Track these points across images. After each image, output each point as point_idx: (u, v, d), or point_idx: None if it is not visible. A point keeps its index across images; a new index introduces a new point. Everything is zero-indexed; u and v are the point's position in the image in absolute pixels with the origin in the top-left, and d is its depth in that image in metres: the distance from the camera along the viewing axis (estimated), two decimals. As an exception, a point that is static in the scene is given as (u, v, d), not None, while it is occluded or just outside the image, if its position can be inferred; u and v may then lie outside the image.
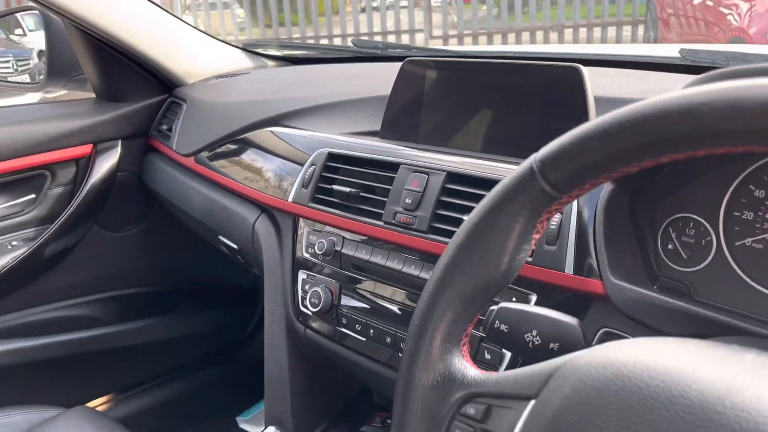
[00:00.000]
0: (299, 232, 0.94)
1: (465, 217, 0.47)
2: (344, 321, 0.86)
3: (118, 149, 1.41)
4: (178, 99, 1.40)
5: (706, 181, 0.62)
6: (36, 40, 1.95)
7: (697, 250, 0.62)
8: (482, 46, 6.37)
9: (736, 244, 0.60)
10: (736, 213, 0.60)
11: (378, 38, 7.52)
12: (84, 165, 1.39)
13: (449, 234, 0.72)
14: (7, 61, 1.89)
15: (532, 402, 0.41)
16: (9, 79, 1.86)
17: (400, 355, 0.49)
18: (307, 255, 0.92)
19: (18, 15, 1.73)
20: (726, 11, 3.68)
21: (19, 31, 2.02)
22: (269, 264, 0.98)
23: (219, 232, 1.19)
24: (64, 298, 1.45)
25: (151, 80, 1.43)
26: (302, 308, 0.91)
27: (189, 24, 1.46)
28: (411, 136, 0.90)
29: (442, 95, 0.88)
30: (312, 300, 0.88)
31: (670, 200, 0.64)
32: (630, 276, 0.62)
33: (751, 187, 0.60)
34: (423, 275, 0.77)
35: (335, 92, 1.13)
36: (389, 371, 0.81)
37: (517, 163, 0.43)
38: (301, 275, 0.92)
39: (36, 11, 1.45)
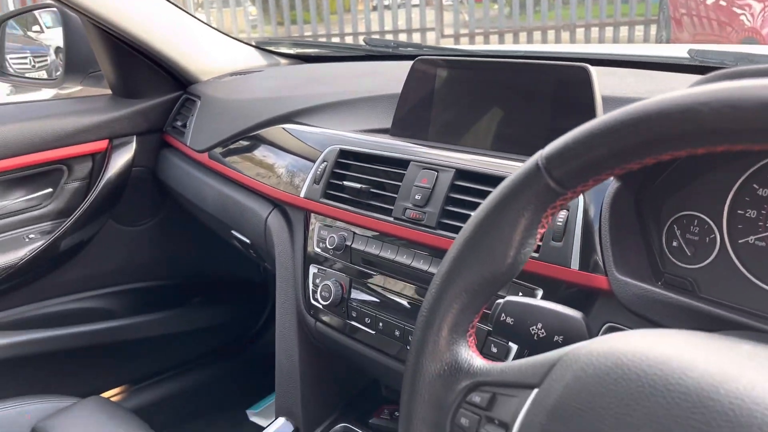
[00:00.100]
0: (311, 227, 0.96)
1: (473, 213, 0.48)
2: (354, 314, 0.87)
3: (134, 145, 1.44)
4: (192, 96, 1.42)
5: (710, 179, 0.63)
6: (53, 37, 1.98)
7: (701, 248, 0.63)
8: (492, 46, 6.37)
9: (740, 241, 0.61)
10: (739, 211, 0.61)
11: (389, 37, 7.53)
12: (100, 160, 1.41)
13: (458, 230, 0.73)
14: (25, 57, 1.92)
15: (536, 390, 0.42)
16: (26, 74, 1.88)
17: (409, 347, 0.51)
18: (318, 249, 0.94)
19: (35, 12, 1.76)
20: (739, 11, 3.67)
21: (36, 27, 2.05)
22: (281, 258, 1.00)
23: (232, 227, 1.21)
24: (80, 290, 1.48)
25: (166, 77, 1.45)
26: (313, 302, 0.93)
27: (204, 22, 1.48)
28: (421, 133, 0.92)
29: (452, 94, 0.89)
30: (323, 293, 0.90)
31: (674, 198, 0.65)
32: (635, 272, 0.63)
33: (754, 185, 0.61)
34: (432, 270, 0.79)
35: (347, 90, 1.15)
36: (398, 364, 0.83)
37: (525, 161, 0.45)
38: (312, 269, 0.94)
39: (54, 8, 1.48)
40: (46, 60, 2.11)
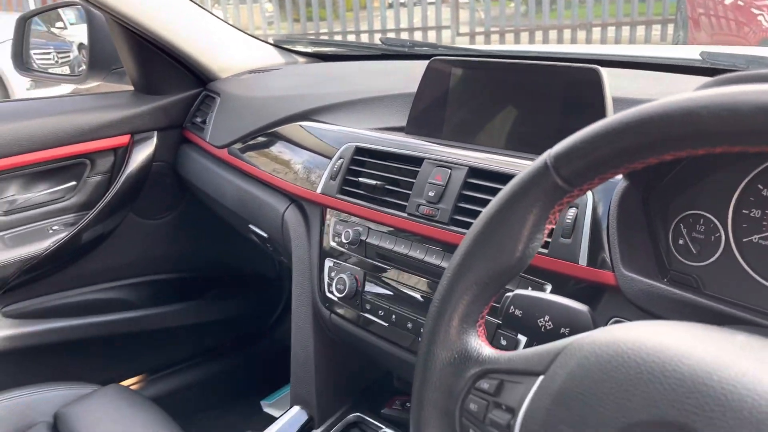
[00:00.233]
0: (326, 222, 0.98)
1: (484, 209, 0.51)
2: (368, 307, 0.90)
3: (154, 140, 1.47)
4: (212, 93, 1.45)
5: (716, 180, 0.65)
6: (76, 33, 2.02)
7: (706, 246, 0.65)
8: (506, 46, 6.36)
9: (744, 240, 0.63)
10: (744, 211, 0.63)
11: (404, 34, 7.55)
12: (122, 154, 1.45)
13: (469, 226, 0.75)
14: (49, 53, 1.96)
15: (541, 377, 0.45)
16: (49, 70, 1.93)
17: (420, 338, 0.53)
18: (333, 244, 0.96)
19: (59, 9, 1.80)
20: (757, 12, 3.65)
21: (59, 24, 2.10)
22: (297, 252, 1.03)
23: (250, 221, 1.24)
24: (101, 281, 1.52)
25: (186, 74, 1.48)
26: (328, 294, 0.96)
27: (224, 20, 1.51)
28: (435, 132, 0.94)
29: (466, 93, 0.92)
30: (338, 286, 0.92)
31: (681, 198, 0.67)
32: (641, 269, 0.65)
33: (759, 186, 0.62)
34: (444, 264, 0.81)
35: (363, 89, 1.18)
36: (410, 355, 0.85)
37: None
38: (328, 263, 0.97)
39: (78, 5, 1.52)
40: (69, 56, 2.16)
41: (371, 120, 1.07)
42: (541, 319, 0.58)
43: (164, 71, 1.45)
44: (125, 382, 1.58)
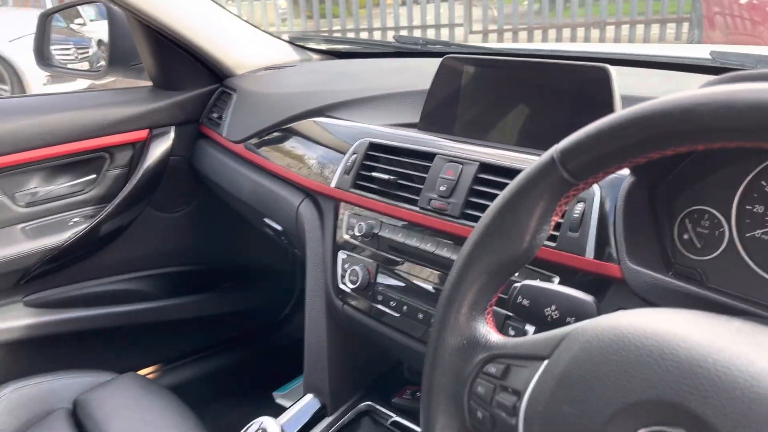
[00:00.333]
0: (340, 216, 1.01)
1: (494, 201, 0.53)
2: (380, 298, 0.92)
3: (172, 135, 1.50)
4: (228, 89, 1.48)
5: (721, 176, 0.67)
6: (95, 30, 2.06)
7: (710, 240, 0.67)
8: (519, 44, 6.34)
9: (747, 235, 0.65)
10: (747, 206, 0.65)
11: (417, 32, 7.55)
12: (140, 149, 1.48)
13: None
14: (68, 49, 2.00)
15: (546, 361, 0.47)
16: (69, 65, 1.97)
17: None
18: (347, 236, 0.99)
19: (79, 6, 1.83)
20: (773, 11, 3.62)
21: (79, 20, 2.14)
22: (312, 244, 1.05)
23: (265, 215, 1.26)
24: (118, 272, 1.56)
25: (203, 70, 1.51)
26: (341, 286, 0.98)
27: (240, 18, 1.54)
28: (447, 128, 0.96)
29: (478, 91, 0.94)
30: (351, 278, 0.95)
31: (686, 194, 0.69)
32: (646, 262, 0.67)
33: (762, 182, 0.64)
34: (454, 257, 0.83)
35: (377, 86, 1.20)
36: (420, 345, 0.88)
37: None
38: (341, 255, 0.99)
39: (98, 3, 1.55)
40: (88, 52, 2.20)
41: (385, 116, 1.09)
42: (548, 309, 0.60)
43: (182, 67, 1.48)
44: (141, 371, 1.61)
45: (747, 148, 0.40)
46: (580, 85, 0.82)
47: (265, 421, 0.77)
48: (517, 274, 0.74)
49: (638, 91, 0.84)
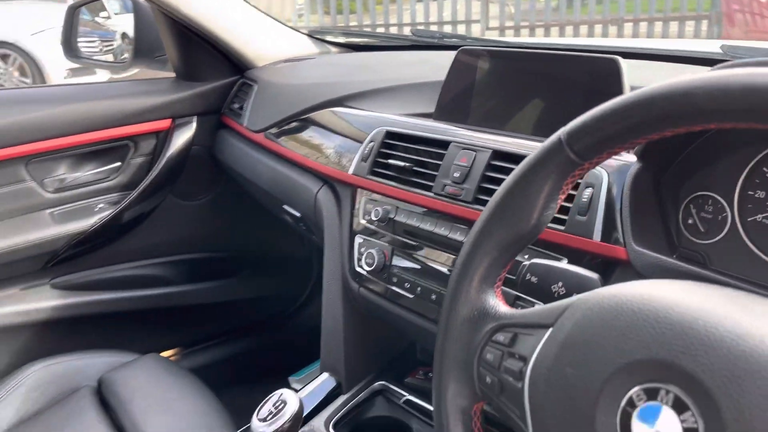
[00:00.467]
0: (357, 202, 1.04)
1: (504, 180, 0.56)
2: (395, 280, 0.96)
3: (194, 125, 1.54)
4: (249, 80, 1.52)
5: (724, 163, 0.69)
6: (119, 23, 2.11)
7: (713, 225, 0.70)
8: (532, 38, 6.33)
9: (749, 219, 0.68)
10: (750, 192, 0.68)
11: (434, 28, 7.55)
12: (163, 138, 1.52)
13: (492, 204, 0.81)
14: (94, 41, 2.06)
15: (550, 329, 0.50)
16: (94, 57, 2.02)
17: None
18: (363, 221, 1.02)
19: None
20: (792, 8, 3.61)
21: (104, 14, 2.20)
22: (329, 229, 1.09)
23: (284, 202, 1.30)
24: (141, 258, 1.60)
25: (225, 62, 1.55)
26: (357, 269, 1.02)
27: (261, 11, 1.58)
28: (462, 118, 1.00)
29: (491, 82, 0.97)
30: (367, 261, 0.99)
31: (691, 180, 0.72)
32: (651, 245, 0.69)
33: (764, 168, 0.67)
34: (467, 241, 0.86)
35: (394, 77, 1.23)
36: (433, 326, 0.91)
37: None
38: (358, 239, 1.03)
39: (125, -4, 1.60)
40: (113, 44, 2.25)
41: (401, 106, 1.12)
42: (555, 286, 0.63)
43: (205, 59, 1.53)
44: (162, 353, 1.66)
45: (742, 130, 0.42)
46: (591, 77, 0.85)
47: (285, 392, 0.81)
48: (526, 256, 0.78)
49: (648, 83, 0.87)
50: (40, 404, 1.15)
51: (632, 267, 0.69)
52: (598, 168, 0.74)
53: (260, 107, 1.42)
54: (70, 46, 1.63)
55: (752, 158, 0.67)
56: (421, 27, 7.51)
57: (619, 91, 0.82)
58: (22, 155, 1.35)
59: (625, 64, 0.83)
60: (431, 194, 0.91)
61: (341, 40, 1.69)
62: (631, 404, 0.42)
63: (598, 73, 0.85)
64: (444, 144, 0.92)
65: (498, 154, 0.86)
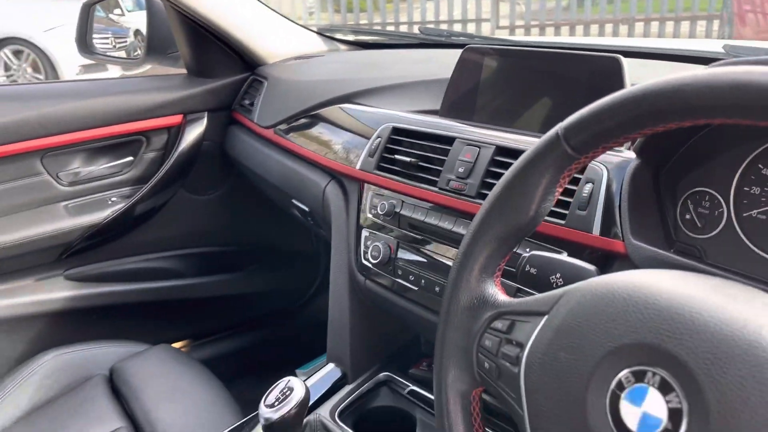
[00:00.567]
0: (364, 196, 1.06)
1: (504, 174, 0.58)
2: (399, 272, 0.98)
3: (205, 120, 1.57)
4: (259, 77, 1.55)
5: (721, 159, 0.71)
6: (132, 20, 2.15)
7: (710, 220, 0.71)
8: (539, 37, 6.32)
9: (744, 215, 0.69)
10: (745, 188, 0.69)
11: (444, 26, 7.55)
12: (175, 133, 1.55)
13: (495, 199, 0.83)
14: (107, 38, 2.09)
15: (546, 316, 0.52)
16: (108, 53, 2.05)
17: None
18: (370, 215, 1.05)
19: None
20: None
21: (118, 11, 2.23)
22: (337, 223, 1.11)
23: (293, 196, 1.33)
24: (153, 251, 1.63)
25: (236, 59, 1.58)
26: (363, 261, 1.04)
27: (272, 9, 1.61)
28: (467, 115, 1.02)
29: (496, 80, 0.99)
30: (373, 254, 1.01)
31: (689, 176, 0.73)
32: (649, 239, 0.71)
33: (759, 165, 0.68)
34: (470, 234, 0.88)
35: (401, 74, 1.25)
36: (436, 317, 0.93)
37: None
38: (364, 233, 1.05)
39: (138, -7, 1.63)
40: (126, 41, 2.29)
41: (408, 103, 1.15)
42: (553, 277, 0.65)
43: (216, 56, 1.55)
44: (172, 345, 1.69)
45: (737, 127, 0.44)
46: (594, 75, 0.87)
47: (292, 380, 0.83)
48: (528, 249, 0.80)
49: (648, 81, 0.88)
50: (54, 391, 1.18)
51: (630, 260, 0.71)
52: (598, 164, 0.76)
53: (270, 103, 1.44)
54: (84, 43, 1.66)
55: (748, 155, 0.69)
56: (431, 25, 7.51)
57: (620, 89, 0.83)
58: (38, 149, 1.38)
59: (626, 62, 0.85)
60: (436, 189, 0.93)
61: (350, 38, 1.71)
62: (620, 386, 0.44)
63: (600, 72, 0.86)
64: (449, 140, 0.95)
65: (501, 150, 0.88)
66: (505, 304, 0.57)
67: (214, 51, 1.54)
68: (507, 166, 0.85)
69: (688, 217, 0.73)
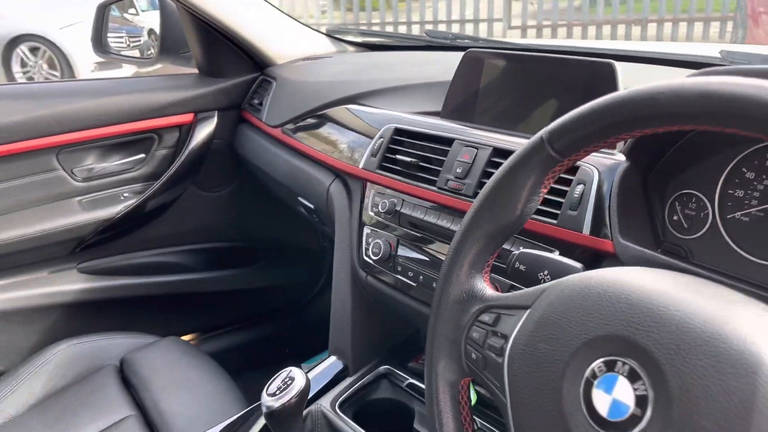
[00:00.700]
0: (366, 195, 1.10)
1: (493, 175, 0.61)
2: (399, 269, 1.01)
3: (215, 119, 1.60)
4: (268, 77, 1.58)
5: (707, 163, 0.74)
6: (146, 20, 2.19)
7: (696, 221, 0.74)
8: (541, 40, 6.30)
9: (728, 217, 0.72)
10: (729, 191, 0.72)
11: (456, 26, 7.56)
12: (186, 131, 1.58)
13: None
14: (121, 37, 2.13)
15: (529, 310, 0.55)
16: (122, 52, 2.09)
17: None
18: (371, 213, 1.08)
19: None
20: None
21: (132, 10, 2.27)
22: (340, 221, 1.15)
23: (299, 194, 1.37)
24: (163, 245, 1.67)
25: (246, 60, 1.61)
26: (365, 258, 1.08)
27: (281, 11, 1.64)
28: (467, 117, 1.05)
29: (495, 83, 1.02)
30: (374, 250, 1.04)
31: (677, 178, 0.76)
32: (638, 239, 0.74)
33: (743, 169, 0.71)
34: (467, 233, 0.91)
35: (406, 76, 1.28)
36: (433, 312, 0.96)
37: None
38: (366, 230, 1.08)
39: (152, -6, 1.67)
40: (140, 40, 2.33)
41: (411, 104, 1.18)
42: (541, 274, 0.68)
43: (227, 56, 1.59)
44: (181, 337, 1.73)
45: (704, 131, 0.47)
46: (588, 79, 0.90)
47: (294, 370, 0.86)
48: (521, 247, 0.83)
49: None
50: (66, 380, 1.22)
51: (618, 259, 0.74)
52: (589, 166, 0.79)
53: (278, 103, 1.48)
54: (99, 43, 1.71)
55: (732, 159, 0.72)
56: (443, 25, 7.53)
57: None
58: (54, 145, 1.42)
59: (622, 67, 0.87)
60: (435, 188, 0.96)
61: (358, 39, 1.74)
62: (593, 375, 0.47)
63: (595, 76, 0.89)
64: (448, 141, 0.98)
65: (498, 152, 0.91)
66: (493, 298, 0.60)
67: (224, 52, 1.58)
68: (503, 167, 0.89)
69: (675, 218, 0.76)
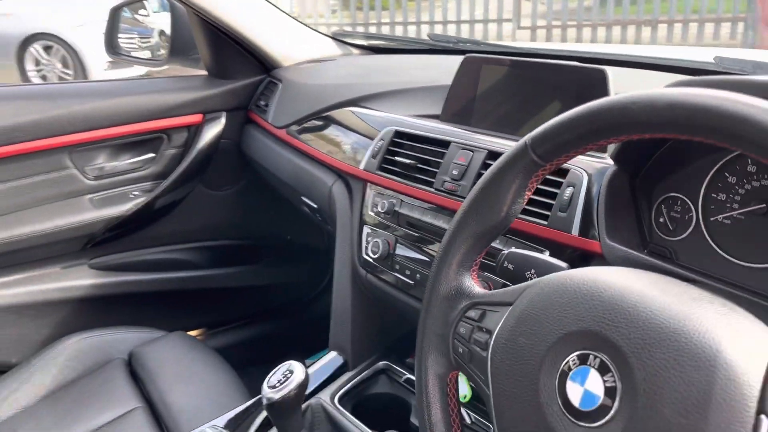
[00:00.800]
0: (366, 195, 1.13)
1: (480, 179, 0.64)
2: (397, 267, 1.04)
3: (223, 120, 1.64)
4: (274, 79, 1.62)
5: (692, 168, 0.76)
6: (157, 21, 2.23)
7: (681, 223, 0.77)
8: (543, 44, 6.29)
9: (711, 219, 0.74)
10: (712, 194, 0.74)
11: (465, 27, 7.57)
12: (194, 131, 1.62)
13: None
14: (132, 38, 2.18)
15: (511, 306, 0.58)
16: (132, 53, 2.14)
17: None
18: (371, 213, 1.11)
19: (145, -1, 1.99)
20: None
21: (143, 11, 2.31)
22: (341, 220, 1.18)
23: (302, 194, 1.40)
24: (171, 243, 1.71)
25: (253, 62, 1.64)
26: (365, 256, 1.11)
27: (288, 14, 1.68)
28: (465, 120, 1.08)
29: (493, 87, 1.05)
30: (373, 249, 1.07)
31: (663, 182, 0.79)
32: (623, 240, 0.77)
33: (725, 173, 0.74)
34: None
35: (408, 80, 1.32)
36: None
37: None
38: (366, 229, 1.12)
39: (164, -3, 1.71)
40: (150, 41, 2.38)
41: (412, 107, 1.21)
42: (528, 272, 0.71)
43: (234, 59, 1.62)
44: (188, 332, 1.77)
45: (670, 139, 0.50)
46: (581, 85, 0.93)
47: (293, 364, 0.90)
48: (513, 247, 0.86)
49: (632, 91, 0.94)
50: (76, 373, 1.26)
51: (605, 260, 0.77)
52: (579, 169, 0.82)
53: (284, 105, 1.51)
54: (111, 44, 1.75)
55: (715, 164, 0.74)
56: (453, 25, 7.54)
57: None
58: (67, 145, 1.46)
59: (615, 73, 0.90)
60: (432, 190, 0.99)
61: (362, 42, 1.77)
62: (568, 368, 0.50)
63: (587, 82, 0.92)
64: (445, 144, 1.01)
65: (493, 155, 0.94)
66: (479, 295, 0.63)
67: (232, 54, 1.61)
68: (497, 169, 0.92)
69: (661, 220, 0.79)
